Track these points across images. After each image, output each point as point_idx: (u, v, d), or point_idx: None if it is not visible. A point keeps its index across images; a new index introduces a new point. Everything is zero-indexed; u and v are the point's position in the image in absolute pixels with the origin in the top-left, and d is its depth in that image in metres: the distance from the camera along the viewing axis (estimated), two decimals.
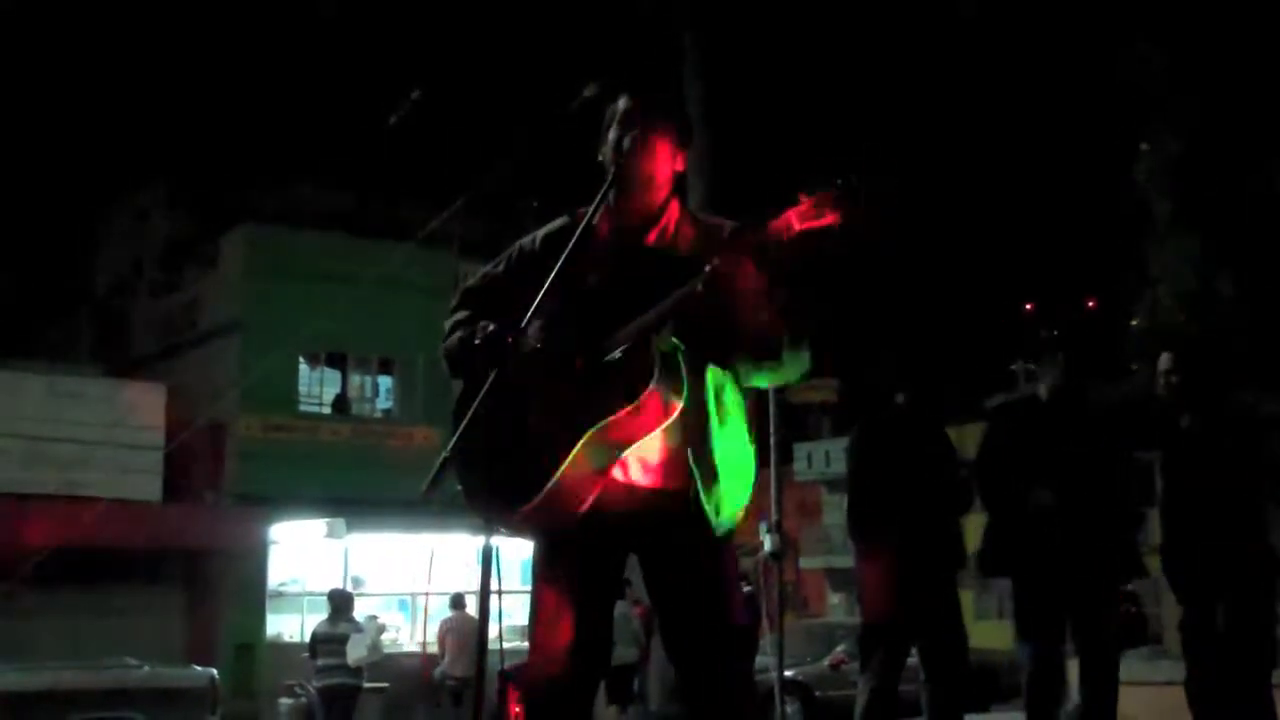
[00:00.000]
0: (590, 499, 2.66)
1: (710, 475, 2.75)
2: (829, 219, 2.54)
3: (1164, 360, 5.24)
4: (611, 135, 2.90)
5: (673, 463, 2.75)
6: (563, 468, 2.60)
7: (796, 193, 2.58)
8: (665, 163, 2.90)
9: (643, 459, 2.74)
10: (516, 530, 2.74)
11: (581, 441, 2.60)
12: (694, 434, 2.74)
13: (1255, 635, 4.99)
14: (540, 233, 3.01)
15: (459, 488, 2.76)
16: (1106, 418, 5.32)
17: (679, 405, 2.64)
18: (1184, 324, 11.15)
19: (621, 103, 2.92)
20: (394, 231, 17.36)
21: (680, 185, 2.99)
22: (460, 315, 2.97)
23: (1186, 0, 11.72)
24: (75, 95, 37.67)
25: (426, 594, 14.36)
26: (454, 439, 2.62)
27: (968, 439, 5.79)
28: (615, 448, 2.64)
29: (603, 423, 2.60)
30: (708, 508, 2.74)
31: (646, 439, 2.65)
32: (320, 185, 22.20)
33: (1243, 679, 5.00)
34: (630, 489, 2.73)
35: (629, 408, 2.59)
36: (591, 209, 2.83)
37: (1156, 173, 11.62)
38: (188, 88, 38.97)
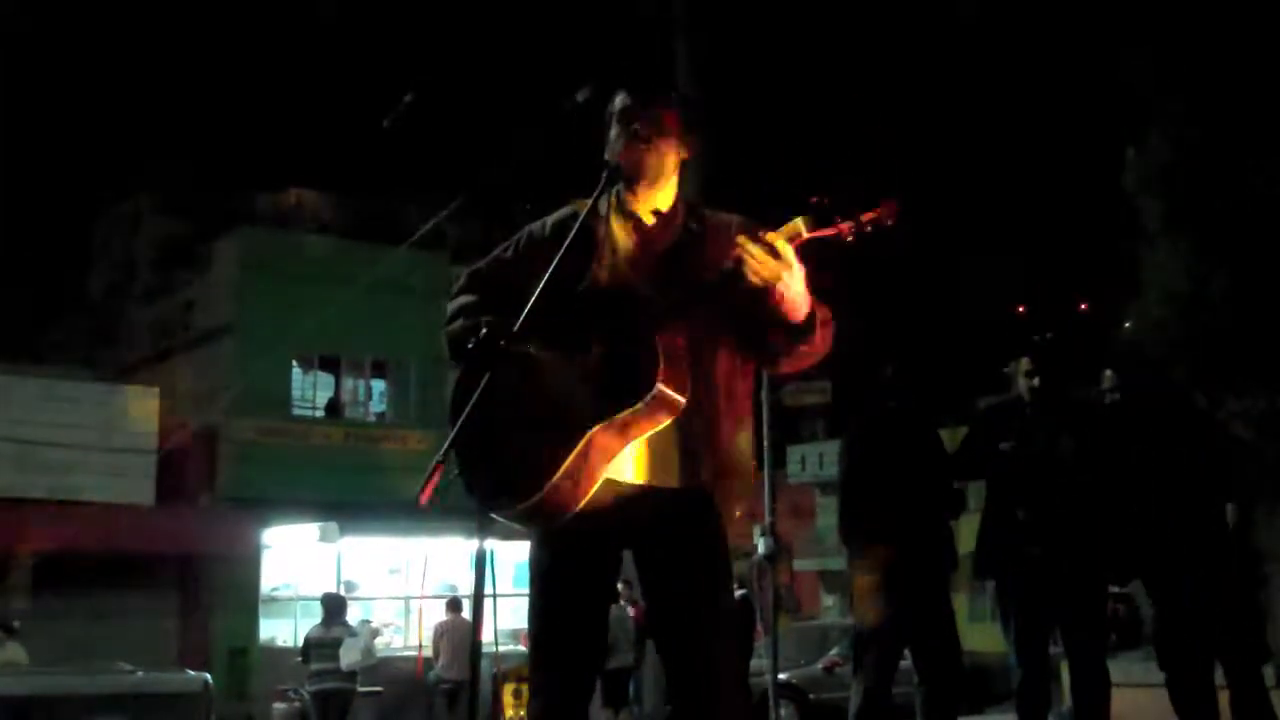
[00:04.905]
0: (588, 496, 2.63)
1: (719, 469, 2.75)
2: (843, 227, 2.57)
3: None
4: (612, 133, 2.89)
5: (670, 459, 2.73)
6: (565, 464, 2.58)
7: (808, 198, 2.60)
8: (669, 155, 2.88)
9: (641, 455, 2.71)
10: (515, 525, 2.71)
11: (585, 437, 2.58)
12: (699, 429, 2.73)
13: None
14: (550, 219, 2.98)
15: (458, 476, 2.74)
16: (1090, 418, 5.32)
17: (683, 401, 2.63)
18: (1174, 327, 11.16)
19: (619, 99, 2.90)
20: (387, 235, 17.39)
21: (684, 175, 2.95)
22: (465, 300, 2.93)
23: (1176, 3, 11.74)
24: (69, 99, 37.62)
25: (421, 598, 14.41)
26: (449, 440, 2.59)
27: (960, 441, 5.77)
28: (618, 444, 2.62)
29: (609, 419, 2.58)
30: (717, 501, 2.75)
31: (649, 434, 2.64)
32: (313, 189, 22.18)
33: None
34: (627, 486, 2.70)
35: (636, 404, 2.58)
36: (587, 209, 2.81)
37: (1146, 177, 11.63)
38: (181, 92, 38.94)
